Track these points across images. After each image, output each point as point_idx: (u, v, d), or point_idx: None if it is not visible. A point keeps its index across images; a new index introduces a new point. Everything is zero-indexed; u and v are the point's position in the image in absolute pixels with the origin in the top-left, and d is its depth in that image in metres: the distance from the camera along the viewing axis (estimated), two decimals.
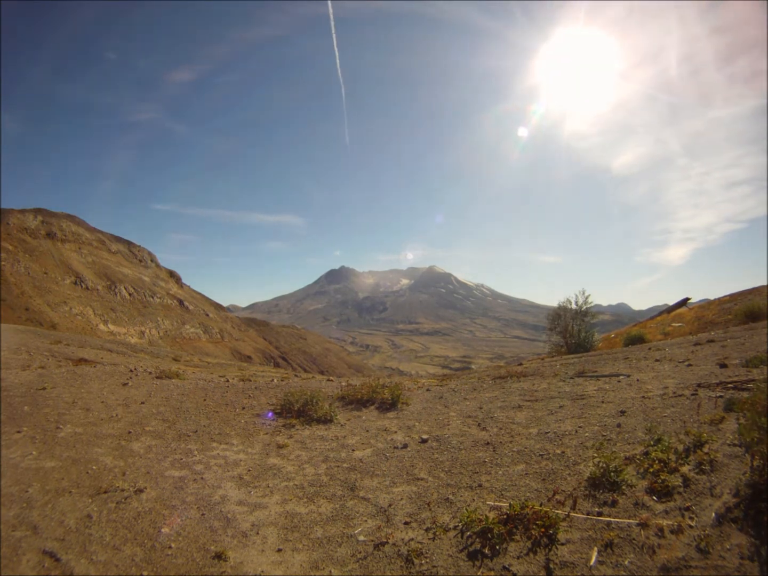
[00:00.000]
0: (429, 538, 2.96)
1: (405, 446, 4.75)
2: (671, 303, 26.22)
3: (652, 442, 3.63)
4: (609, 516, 2.85)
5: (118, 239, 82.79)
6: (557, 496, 3.18)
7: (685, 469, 3.12)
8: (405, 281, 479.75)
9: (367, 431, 5.39)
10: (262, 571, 2.74)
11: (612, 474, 3.21)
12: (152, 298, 71.09)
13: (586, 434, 4.30)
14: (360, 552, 2.90)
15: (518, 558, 2.63)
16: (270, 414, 6.23)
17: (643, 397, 5.23)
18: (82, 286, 60.25)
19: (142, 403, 6.50)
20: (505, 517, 2.94)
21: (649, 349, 10.65)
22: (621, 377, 6.80)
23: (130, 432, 5.16)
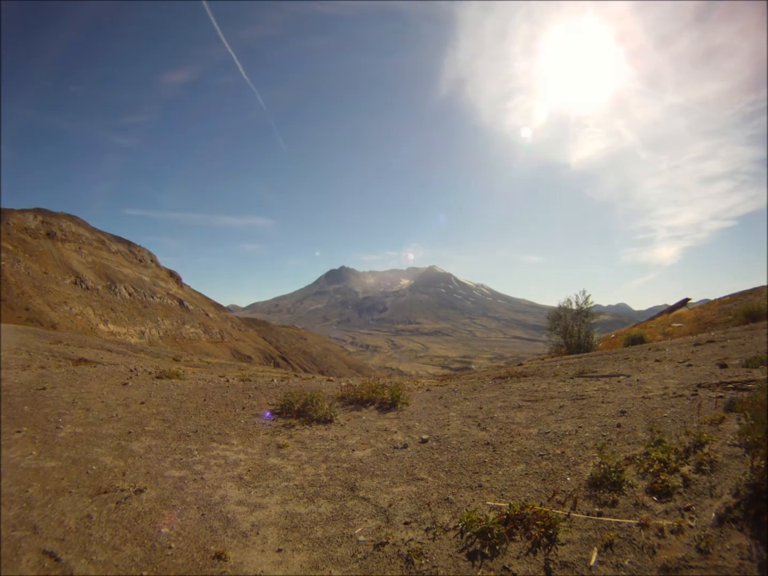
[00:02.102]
0: (429, 539, 2.96)
1: (405, 446, 4.75)
2: (671, 303, 26.21)
3: (652, 443, 3.63)
4: (609, 516, 2.85)
5: (119, 239, 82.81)
6: (557, 497, 3.18)
7: (685, 469, 3.12)
8: (405, 281, 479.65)
9: (367, 431, 5.39)
10: (262, 571, 2.74)
11: (612, 474, 3.21)
12: (152, 298, 71.09)
13: (586, 434, 4.30)
14: (360, 552, 2.90)
15: (518, 558, 2.63)
16: (270, 414, 6.23)
17: (644, 397, 5.23)
18: (82, 286, 60.25)
19: (142, 403, 6.50)
20: (505, 517, 2.94)
21: (650, 349, 10.65)
22: (621, 377, 6.80)
23: (130, 432, 5.16)
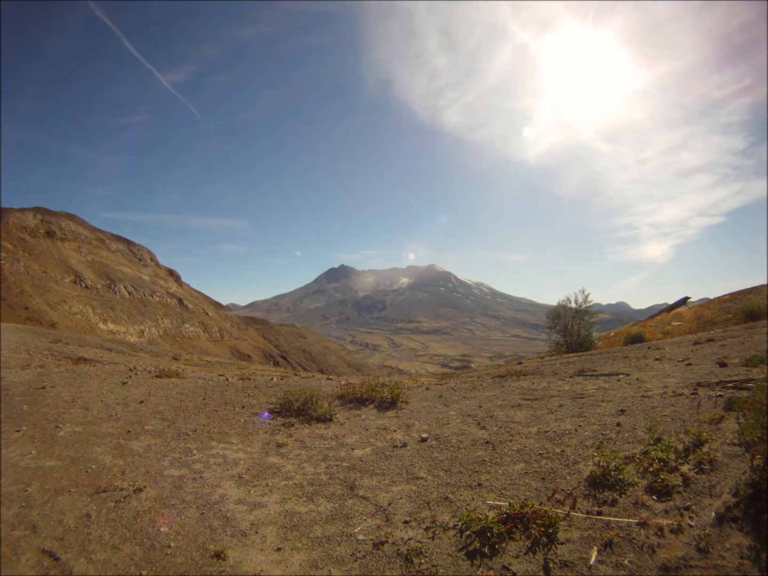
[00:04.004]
0: (428, 537, 2.96)
1: (404, 445, 4.74)
2: (671, 302, 26.22)
3: (651, 441, 3.63)
4: (609, 515, 2.85)
5: (118, 238, 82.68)
6: (557, 495, 3.17)
7: (684, 468, 3.12)
8: (404, 280, 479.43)
9: (367, 430, 5.39)
10: (262, 571, 2.74)
11: (612, 473, 3.21)
12: (152, 296, 71.03)
13: (586, 433, 4.30)
14: (359, 551, 2.90)
15: (518, 557, 2.62)
16: (269, 413, 6.22)
17: (643, 396, 5.23)
18: (81, 285, 60.18)
19: (142, 402, 6.49)
20: (504, 516, 2.94)
21: (649, 348, 10.65)
22: (621, 376, 6.80)
23: (129, 431, 5.15)
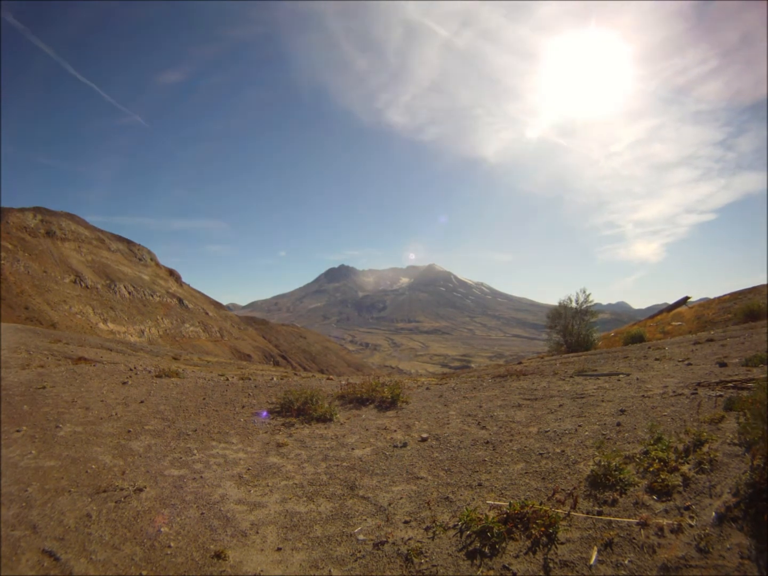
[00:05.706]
0: (429, 537, 2.96)
1: (404, 445, 4.74)
2: (671, 302, 26.23)
3: (652, 441, 3.63)
4: (609, 515, 2.84)
5: (118, 238, 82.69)
6: (557, 495, 3.17)
7: (685, 468, 3.12)
8: (405, 280, 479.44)
9: (367, 430, 5.39)
10: (262, 571, 2.74)
11: (612, 473, 3.21)
12: (152, 296, 71.03)
13: (586, 433, 4.30)
14: (359, 551, 2.89)
15: (518, 557, 2.62)
16: (269, 413, 6.22)
17: (643, 396, 5.23)
18: (81, 285, 60.18)
19: (142, 401, 6.49)
20: (504, 516, 2.94)
21: (649, 348, 10.65)
22: (621, 376, 6.80)
23: (129, 431, 5.15)
